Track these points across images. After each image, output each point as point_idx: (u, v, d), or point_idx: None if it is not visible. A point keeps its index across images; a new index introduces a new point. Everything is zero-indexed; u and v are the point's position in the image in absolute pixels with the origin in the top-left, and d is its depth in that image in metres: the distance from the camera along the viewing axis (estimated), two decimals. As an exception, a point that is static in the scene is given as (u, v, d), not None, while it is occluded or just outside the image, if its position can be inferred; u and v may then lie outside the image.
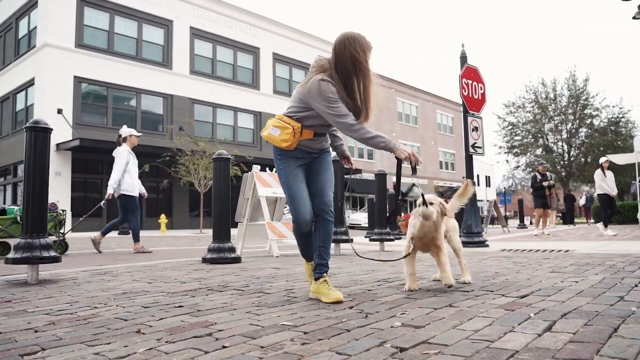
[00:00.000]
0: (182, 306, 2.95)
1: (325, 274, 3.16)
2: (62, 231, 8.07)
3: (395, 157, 3.04)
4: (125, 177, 8.43)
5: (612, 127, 37.60)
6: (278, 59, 32.60)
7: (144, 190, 8.95)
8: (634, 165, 18.55)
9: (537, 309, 2.61)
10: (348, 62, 3.00)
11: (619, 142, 37.02)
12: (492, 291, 3.30)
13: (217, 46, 29.28)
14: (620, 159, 20.28)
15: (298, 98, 3.11)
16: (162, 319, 2.59)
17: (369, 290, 3.46)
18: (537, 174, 12.89)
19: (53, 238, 7.46)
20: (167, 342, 2.10)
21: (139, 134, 8.89)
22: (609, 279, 3.76)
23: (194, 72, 27.89)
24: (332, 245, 7.25)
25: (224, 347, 2.01)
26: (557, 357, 1.76)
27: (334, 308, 2.80)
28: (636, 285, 3.37)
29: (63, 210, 8.35)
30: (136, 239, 8.61)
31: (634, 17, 19.34)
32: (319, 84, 2.97)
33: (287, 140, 3.07)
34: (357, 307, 2.80)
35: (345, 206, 34.40)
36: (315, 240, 3.22)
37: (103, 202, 8.78)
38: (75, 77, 23.10)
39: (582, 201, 27.73)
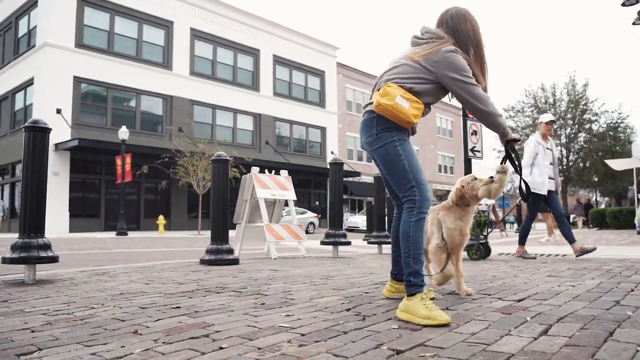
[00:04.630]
0: (180, 307, 2.95)
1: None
2: (484, 234, 6.81)
3: (507, 142, 2.95)
4: (534, 171, 6.92)
5: (610, 132, 37.65)
6: (278, 61, 32.63)
7: (554, 188, 7.08)
8: (632, 171, 18.55)
9: (533, 313, 2.62)
10: (467, 35, 2.89)
11: (618, 148, 37.05)
12: (489, 295, 3.30)
13: (218, 47, 29.32)
14: (618, 164, 20.30)
15: (419, 69, 2.78)
16: (159, 320, 2.59)
17: (367, 292, 3.46)
18: None
19: (472, 241, 6.67)
20: (164, 343, 2.11)
21: (551, 119, 7.13)
22: (606, 283, 3.77)
23: (194, 73, 27.92)
24: (331, 247, 7.25)
25: (221, 348, 2.01)
26: (552, 360, 1.76)
27: (331, 310, 2.80)
28: (632, 290, 3.37)
29: (483, 212, 7.42)
30: (522, 241, 7.03)
31: (633, 23, 19.41)
32: (454, 55, 2.75)
33: (416, 117, 2.71)
34: (355, 310, 2.81)
35: (344, 209, 34.00)
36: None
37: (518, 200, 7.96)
38: (74, 77, 23.11)
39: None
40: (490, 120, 2.82)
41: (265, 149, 30.59)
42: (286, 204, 7.82)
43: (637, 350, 1.87)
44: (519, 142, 2.97)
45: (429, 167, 46.25)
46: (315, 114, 34.64)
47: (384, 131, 2.73)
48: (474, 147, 8.69)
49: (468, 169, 8.67)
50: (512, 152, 3.02)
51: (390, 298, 3.19)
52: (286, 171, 7.70)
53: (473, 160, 8.84)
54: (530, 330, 2.23)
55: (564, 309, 2.75)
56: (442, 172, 48.58)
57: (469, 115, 8.76)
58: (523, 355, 1.84)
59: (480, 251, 6.58)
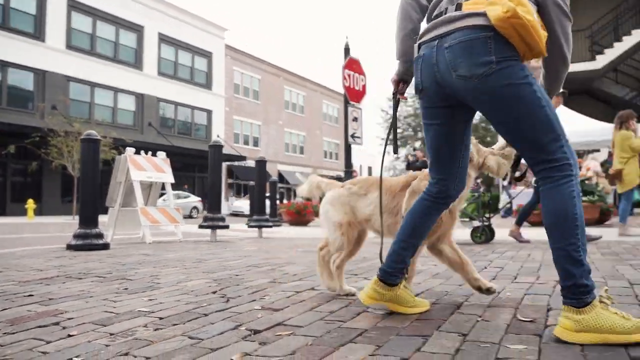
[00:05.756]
0: (33, 295, 2.75)
1: None
2: (487, 215, 6.24)
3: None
4: None
5: (483, 124, 40.52)
6: (164, 39, 31.34)
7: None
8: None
9: (393, 291, 2.73)
10: None
11: (489, 138, 40.00)
12: (357, 275, 3.42)
13: (98, 21, 27.53)
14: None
15: None
16: (5, 309, 2.40)
17: (237, 275, 3.44)
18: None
19: (476, 223, 6.14)
20: (5, 333, 1.95)
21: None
22: (464, 262, 4.05)
23: (70, 47, 26.02)
24: (209, 231, 7.14)
25: (69, 335, 1.90)
26: (401, 334, 1.86)
27: (196, 293, 2.75)
28: (485, 267, 3.66)
29: (487, 192, 6.37)
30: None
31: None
32: None
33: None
34: (221, 292, 2.78)
35: (229, 194, 33.30)
36: None
37: None
38: None
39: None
40: (563, 73, 2.01)
41: (147, 130, 29.36)
42: (163, 187, 7.55)
43: (477, 321, 2.02)
44: None
45: (315, 153, 47.02)
46: (201, 95, 33.80)
47: (509, 59, 1.78)
48: (354, 133, 8.96)
49: (348, 155, 8.93)
50: None
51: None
52: (164, 153, 7.43)
53: (353, 146, 9.12)
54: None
55: (422, 286, 2.91)
56: (327, 157, 49.54)
57: (350, 102, 8.99)
58: (375, 330, 1.92)
59: (485, 234, 6.11)
